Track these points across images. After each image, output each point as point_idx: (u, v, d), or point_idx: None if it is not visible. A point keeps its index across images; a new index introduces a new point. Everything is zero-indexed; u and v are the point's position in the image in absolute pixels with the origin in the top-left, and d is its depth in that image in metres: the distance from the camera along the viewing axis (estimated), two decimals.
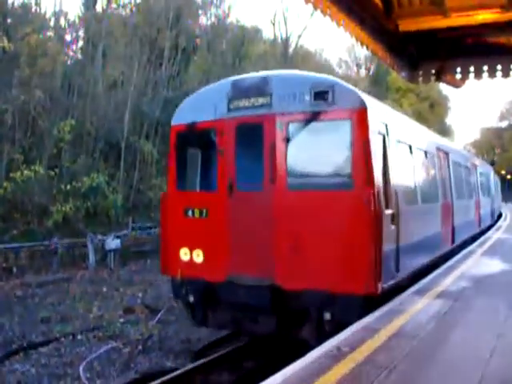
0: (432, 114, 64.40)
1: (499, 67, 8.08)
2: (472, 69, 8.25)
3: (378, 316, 7.11)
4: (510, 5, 6.46)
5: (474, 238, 17.79)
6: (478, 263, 12.27)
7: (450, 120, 77.57)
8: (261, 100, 8.21)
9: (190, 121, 8.97)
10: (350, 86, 8.10)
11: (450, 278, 10.07)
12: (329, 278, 7.49)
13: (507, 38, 7.69)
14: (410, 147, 10.20)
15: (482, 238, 18.20)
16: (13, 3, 27.85)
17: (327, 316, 7.61)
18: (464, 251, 14.41)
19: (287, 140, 8.00)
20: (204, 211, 8.70)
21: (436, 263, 11.61)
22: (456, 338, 6.20)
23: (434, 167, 12.45)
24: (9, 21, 26.62)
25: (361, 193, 7.42)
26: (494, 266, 11.84)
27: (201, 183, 9.42)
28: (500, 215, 32.71)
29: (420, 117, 50.01)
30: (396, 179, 8.63)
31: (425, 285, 9.40)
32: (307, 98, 7.83)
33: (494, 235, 19.84)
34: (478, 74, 8.24)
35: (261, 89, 8.22)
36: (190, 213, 8.83)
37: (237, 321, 8.49)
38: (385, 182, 8.18)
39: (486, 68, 8.15)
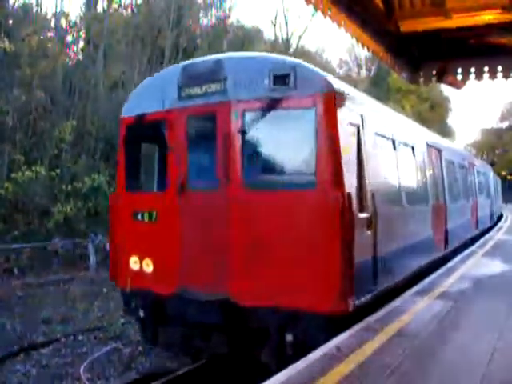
0: (433, 115, 64.35)
1: (500, 68, 8.09)
2: (473, 70, 8.26)
3: (379, 316, 7.11)
4: (511, 5, 6.46)
5: (471, 242, 17.05)
6: (479, 264, 12.27)
7: (450, 121, 77.56)
8: (214, 86, 7.24)
9: (140, 112, 8.01)
10: (316, 68, 7.11)
11: (451, 279, 10.07)
12: (291, 293, 6.52)
13: (508, 39, 7.68)
14: (394, 142, 9.22)
15: (482, 240, 18.16)
16: (14, 4, 27.87)
17: (289, 337, 6.64)
18: (464, 253, 14.38)
19: (243, 132, 7.02)
20: (153, 214, 7.79)
21: (427, 270, 10.75)
22: (457, 339, 6.20)
23: (423, 165, 11.36)
24: (10, 22, 26.63)
25: (326, 193, 6.45)
26: (495, 266, 11.84)
27: (151, 183, 8.69)
28: (500, 216, 32.36)
29: (421, 118, 49.97)
30: (374, 178, 7.67)
31: (426, 285, 9.40)
32: (266, 82, 6.86)
33: (494, 236, 19.83)
34: (479, 75, 8.25)
35: (214, 74, 7.24)
36: (139, 216, 7.91)
37: (187, 340, 7.54)
38: (359, 182, 7.27)
39: (486, 69, 8.15)
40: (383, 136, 8.66)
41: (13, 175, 22.11)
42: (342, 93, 7.02)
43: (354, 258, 6.52)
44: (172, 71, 7.96)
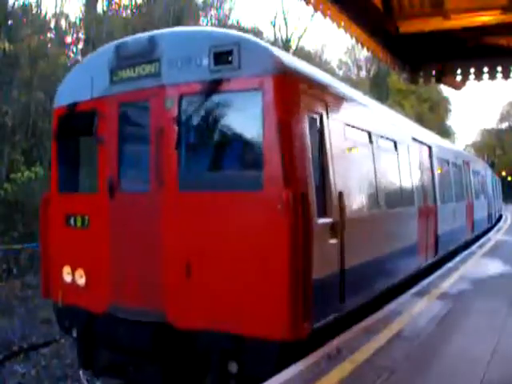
0: (433, 116, 64.35)
1: (499, 69, 8.10)
2: (472, 70, 8.27)
3: (378, 318, 7.10)
4: (511, 6, 6.46)
5: (466, 246, 16.04)
6: (478, 265, 12.26)
7: (450, 121, 77.63)
8: (148, 68, 6.21)
9: (72, 101, 6.97)
10: (265, 43, 6.05)
11: (450, 280, 10.06)
12: (234, 315, 5.46)
13: (507, 40, 7.69)
14: (370, 135, 8.11)
15: (482, 241, 18.14)
16: (13, 5, 27.87)
17: (233, 367, 5.54)
18: (463, 253, 14.36)
19: (179, 121, 5.96)
20: (85, 219, 6.77)
21: (412, 280, 9.76)
22: (456, 340, 6.19)
23: (408, 163, 10.19)
24: (9, 22, 26.64)
25: (274, 195, 5.30)
26: (494, 267, 11.83)
27: (85, 183, 7.52)
28: (500, 217, 31.99)
29: (420, 118, 49.99)
30: (342, 176, 6.65)
31: (424, 287, 9.39)
32: (205, 61, 5.77)
33: (494, 237, 19.82)
34: (479, 76, 8.25)
35: (147, 53, 6.22)
36: (71, 221, 6.90)
37: (119, 367, 6.40)
38: (321, 180, 6.21)
39: (486, 70, 8.17)
40: (356, 127, 7.62)
41: (12, 176, 22.12)
42: (297, 73, 6.00)
43: (312, 273, 5.49)
44: (104, 52, 6.86)
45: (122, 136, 6.53)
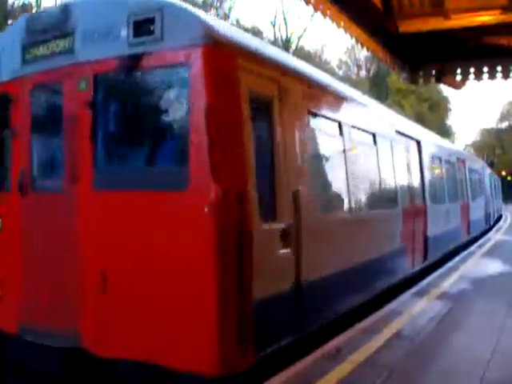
0: (432, 115, 64.41)
1: (499, 68, 8.11)
2: (472, 70, 8.27)
3: (378, 317, 7.11)
4: (511, 6, 6.46)
5: (461, 248, 15.13)
6: (478, 264, 12.27)
7: (450, 121, 77.65)
8: (61, 44, 5.21)
9: None
10: (194, 9, 4.91)
11: (450, 280, 10.07)
12: (157, 342, 4.48)
13: (507, 40, 7.70)
14: (340, 125, 7.06)
15: (481, 241, 18.12)
16: (13, 4, 27.90)
17: None
18: (462, 254, 14.36)
19: (93, 107, 4.96)
20: None
21: (394, 291, 8.74)
22: (456, 340, 6.20)
23: (391, 159, 9.19)
24: (9, 22, 26.67)
25: (200, 195, 4.33)
26: (494, 267, 11.83)
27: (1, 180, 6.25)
28: (500, 217, 31.74)
29: (420, 118, 50.04)
30: (298, 174, 5.65)
31: (424, 286, 9.40)
32: (124, 32, 4.79)
33: (493, 237, 19.83)
34: (478, 76, 8.26)
35: (61, 26, 5.18)
36: None
37: None
38: (270, 178, 5.22)
39: (486, 69, 8.17)
40: (322, 116, 6.63)
41: None
42: (235, 45, 4.99)
43: (252, 292, 4.59)
44: (16, 27, 5.87)
45: (35, 125, 5.52)
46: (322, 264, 6.01)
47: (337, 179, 7.11)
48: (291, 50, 47.26)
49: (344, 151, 7.15)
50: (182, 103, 4.64)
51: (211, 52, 4.52)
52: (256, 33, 49.59)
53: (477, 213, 19.63)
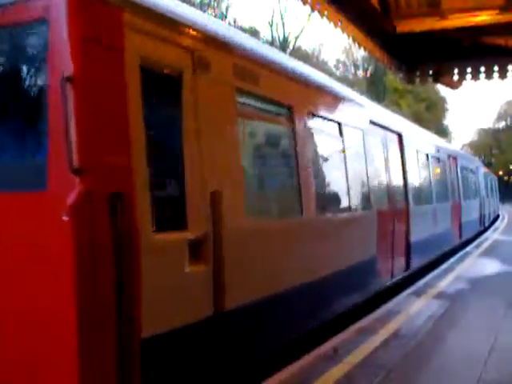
0: (429, 115, 64.48)
1: (496, 68, 8.11)
2: (469, 70, 8.27)
3: (375, 317, 7.10)
4: (507, 6, 6.47)
5: (450, 253, 13.96)
6: (475, 264, 12.29)
7: (447, 121, 77.73)
8: None
9: None
10: None
11: (447, 280, 10.07)
12: (12, 378, 3.38)
13: (504, 39, 7.70)
14: (290, 110, 5.87)
15: (479, 241, 18.10)
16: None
17: None
18: (460, 253, 14.37)
19: None
20: None
21: (365, 307, 7.66)
22: (453, 339, 6.20)
23: (362, 153, 8.11)
24: None
25: (57, 199, 3.21)
26: (491, 267, 11.85)
27: None
28: (497, 218, 31.43)
29: (417, 118, 50.07)
30: (219, 170, 4.49)
31: (421, 286, 9.40)
32: None
33: (491, 236, 19.86)
34: (475, 75, 8.26)
35: None
36: None
37: None
38: (175, 175, 4.16)
39: (483, 69, 8.17)
40: (260, 97, 5.40)
41: None
42: None
43: (140, 328, 3.50)
44: None
45: None
46: (254, 284, 4.84)
47: (279, 176, 5.99)
48: (288, 51, 47.25)
49: (294, 143, 5.88)
50: (40, 75, 3.54)
51: (80, 2, 3.35)
52: (253, 33, 49.62)
53: (470, 214, 18.61)
